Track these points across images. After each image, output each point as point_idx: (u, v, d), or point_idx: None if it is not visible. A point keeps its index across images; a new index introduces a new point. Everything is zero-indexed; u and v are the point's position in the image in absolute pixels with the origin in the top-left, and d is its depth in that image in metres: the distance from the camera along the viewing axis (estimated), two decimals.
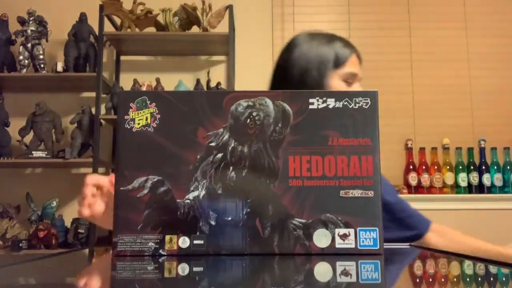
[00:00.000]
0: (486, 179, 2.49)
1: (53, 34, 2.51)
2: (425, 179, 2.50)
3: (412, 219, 1.14)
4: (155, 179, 0.62)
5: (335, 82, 1.11)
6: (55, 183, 2.56)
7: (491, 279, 0.51)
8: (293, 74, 1.13)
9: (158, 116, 0.64)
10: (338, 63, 1.11)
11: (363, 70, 1.20)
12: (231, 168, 0.63)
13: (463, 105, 2.67)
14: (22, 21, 2.42)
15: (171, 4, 2.47)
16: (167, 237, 0.62)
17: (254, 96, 0.64)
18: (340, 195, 0.63)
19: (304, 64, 1.12)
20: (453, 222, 2.50)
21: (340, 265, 0.56)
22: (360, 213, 0.62)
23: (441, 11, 2.75)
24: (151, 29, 2.49)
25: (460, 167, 2.53)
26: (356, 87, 1.14)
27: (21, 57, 2.40)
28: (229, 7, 2.47)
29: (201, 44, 2.54)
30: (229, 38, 2.42)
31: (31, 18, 2.43)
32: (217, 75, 2.67)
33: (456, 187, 2.52)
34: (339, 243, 0.62)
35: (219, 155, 0.63)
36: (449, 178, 2.51)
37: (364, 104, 0.64)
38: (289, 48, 1.16)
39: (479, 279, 0.52)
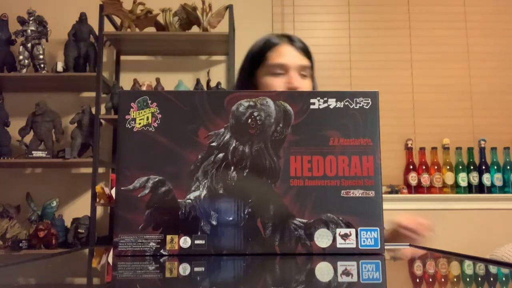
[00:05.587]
0: (486, 179, 2.49)
1: (53, 34, 2.51)
2: (425, 179, 2.50)
3: None
4: (156, 179, 0.62)
5: (261, 79, 1.09)
6: (55, 183, 2.55)
7: (491, 279, 0.51)
8: (237, 77, 1.16)
9: (159, 116, 0.64)
10: (262, 57, 1.09)
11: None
12: (232, 168, 0.63)
13: (463, 105, 2.67)
14: (22, 21, 2.42)
15: (171, 4, 2.47)
16: (168, 237, 0.62)
17: (255, 96, 0.64)
18: (341, 195, 0.63)
19: (240, 66, 1.15)
20: (453, 222, 2.51)
21: (341, 265, 0.56)
22: (361, 213, 0.62)
23: (441, 11, 2.75)
24: (151, 29, 2.49)
25: (460, 167, 2.53)
26: (291, 78, 1.05)
27: (21, 57, 2.40)
28: (229, 7, 2.47)
29: (201, 44, 2.54)
30: (229, 38, 2.42)
31: (31, 18, 2.43)
32: (217, 75, 2.67)
33: (456, 187, 2.52)
34: (340, 243, 0.62)
35: (220, 155, 0.63)
36: (449, 178, 2.51)
37: (365, 104, 0.64)
38: None
39: (479, 279, 0.52)
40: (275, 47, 1.09)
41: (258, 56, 1.10)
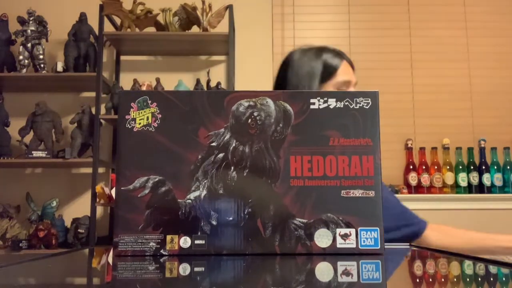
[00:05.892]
0: (486, 179, 2.49)
1: (53, 34, 2.51)
2: (425, 179, 2.50)
3: (411, 215, 1.16)
4: (156, 179, 0.62)
5: None
6: (55, 183, 2.56)
7: (491, 279, 0.51)
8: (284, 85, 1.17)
9: (159, 116, 0.64)
10: (329, 74, 1.15)
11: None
12: (232, 168, 0.63)
13: (463, 105, 2.67)
14: (22, 21, 2.42)
15: (171, 4, 2.47)
16: (168, 237, 0.62)
17: (255, 96, 0.64)
18: (341, 195, 0.63)
19: (296, 81, 1.17)
20: (453, 222, 2.50)
21: (341, 265, 0.56)
22: (361, 213, 0.62)
23: (441, 11, 2.75)
24: (151, 29, 2.49)
25: (460, 167, 2.53)
26: None
27: (21, 57, 2.40)
28: (229, 7, 2.47)
29: (201, 44, 2.54)
30: (229, 38, 2.42)
31: (31, 18, 2.43)
32: (217, 75, 2.67)
33: (456, 187, 2.52)
34: (340, 243, 0.62)
35: (221, 155, 0.63)
36: (449, 178, 2.51)
37: (365, 104, 0.64)
38: (283, 66, 1.20)
39: (479, 279, 0.52)
40: (343, 64, 1.16)
41: (328, 72, 1.15)
